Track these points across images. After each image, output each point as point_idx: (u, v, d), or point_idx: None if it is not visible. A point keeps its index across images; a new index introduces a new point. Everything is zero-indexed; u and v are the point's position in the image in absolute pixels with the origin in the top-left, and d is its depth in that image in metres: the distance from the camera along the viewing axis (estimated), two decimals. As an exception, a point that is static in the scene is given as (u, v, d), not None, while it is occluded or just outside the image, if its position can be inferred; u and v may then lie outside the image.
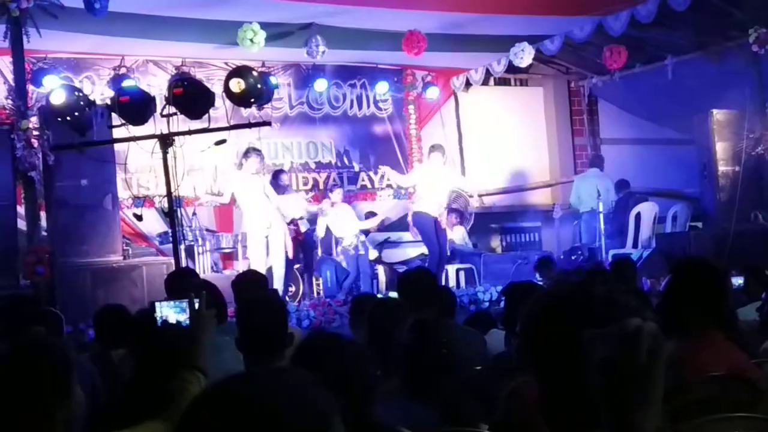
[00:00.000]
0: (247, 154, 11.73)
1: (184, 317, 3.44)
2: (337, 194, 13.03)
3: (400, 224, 14.34)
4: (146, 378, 3.55)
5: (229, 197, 11.90)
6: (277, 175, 12.91)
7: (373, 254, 13.19)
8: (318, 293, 12.53)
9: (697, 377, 3.63)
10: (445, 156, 12.68)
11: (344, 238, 12.68)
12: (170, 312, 3.48)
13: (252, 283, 6.87)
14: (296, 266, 12.55)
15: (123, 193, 11.64)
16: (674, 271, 4.18)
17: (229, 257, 13.12)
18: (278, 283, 11.29)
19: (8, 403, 2.96)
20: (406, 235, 13.93)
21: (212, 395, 1.56)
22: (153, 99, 8.83)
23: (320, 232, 12.77)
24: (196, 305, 3.23)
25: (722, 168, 12.02)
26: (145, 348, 3.53)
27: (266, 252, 11.52)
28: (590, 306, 2.05)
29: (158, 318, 3.51)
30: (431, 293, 5.71)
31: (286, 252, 11.70)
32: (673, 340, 3.60)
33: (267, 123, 9.77)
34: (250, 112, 12.05)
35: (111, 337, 5.41)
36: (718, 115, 12.04)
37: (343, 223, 12.74)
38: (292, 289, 12.33)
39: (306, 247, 12.88)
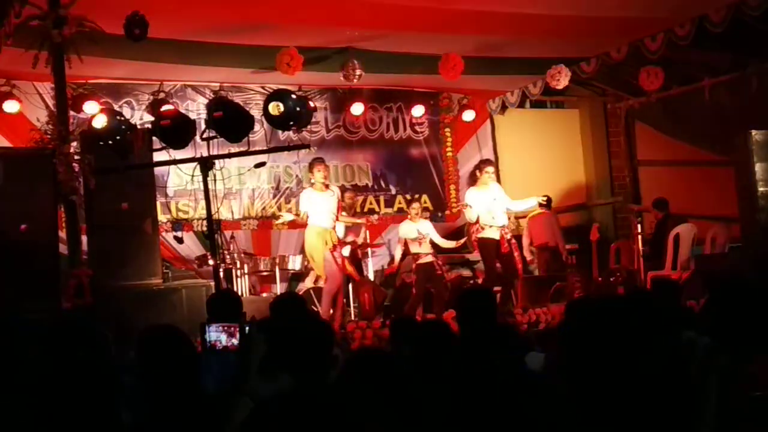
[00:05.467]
0: (311, 167, 11.83)
1: (233, 341, 3.46)
2: (415, 209, 13.08)
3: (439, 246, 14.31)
4: (194, 402, 3.58)
5: (306, 216, 11.94)
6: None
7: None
8: (355, 316, 12.53)
9: (743, 397, 3.59)
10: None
11: (421, 254, 12.76)
12: (220, 336, 3.50)
13: (290, 305, 6.87)
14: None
15: (162, 217, 11.72)
16: (714, 292, 4.14)
17: (266, 280, 13.17)
18: (328, 305, 11.46)
19: (60, 425, 2.99)
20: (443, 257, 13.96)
21: (264, 414, 1.57)
22: (193, 123, 8.90)
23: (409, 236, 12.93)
24: (247, 330, 3.25)
25: (762, 189, 11.90)
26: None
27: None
28: (637, 322, 2.06)
29: (207, 341, 3.52)
30: (488, 314, 5.59)
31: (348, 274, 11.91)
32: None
33: (306, 146, 9.82)
34: (287, 136, 12.11)
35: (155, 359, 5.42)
36: (757, 135, 11.92)
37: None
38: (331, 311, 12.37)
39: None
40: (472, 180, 12.90)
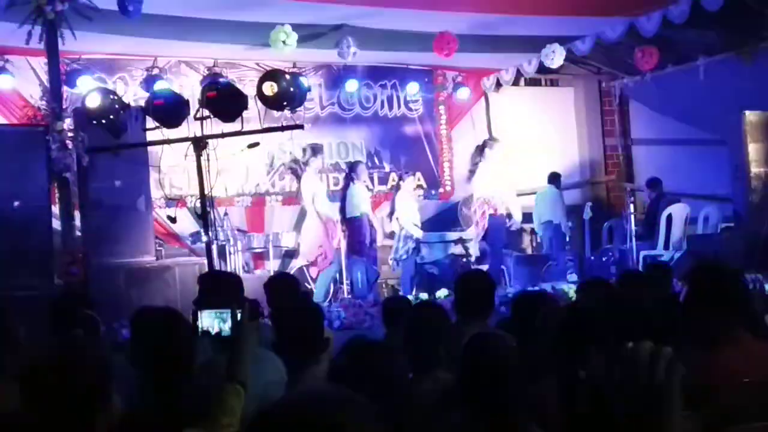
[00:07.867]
0: (316, 151, 11.95)
1: (225, 327, 3.45)
2: (409, 182, 13.13)
3: (433, 224, 14.31)
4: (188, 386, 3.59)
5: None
6: (354, 166, 13.01)
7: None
8: (348, 294, 12.53)
9: (726, 383, 3.60)
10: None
11: (406, 229, 12.83)
12: (212, 321, 3.49)
13: (284, 285, 6.88)
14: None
15: (155, 193, 11.68)
16: (689, 280, 4.13)
17: (260, 257, 13.19)
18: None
19: (51, 408, 3.00)
20: (436, 235, 13.97)
21: (269, 418, 1.57)
22: (187, 102, 8.86)
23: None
24: (239, 316, 3.25)
25: (754, 169, 11.94)
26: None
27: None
28: (615, 321, 2.08)
29: (199, 326, 3.52)
30: (486, 298, 5.55)
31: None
32: (700, 347, 3.59)
33: (299, 126, 9.79)
34: (282, 113, 12.06)
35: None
36: (750, 116, 11.96)
37: (409, 215, 12.85)
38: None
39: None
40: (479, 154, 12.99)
